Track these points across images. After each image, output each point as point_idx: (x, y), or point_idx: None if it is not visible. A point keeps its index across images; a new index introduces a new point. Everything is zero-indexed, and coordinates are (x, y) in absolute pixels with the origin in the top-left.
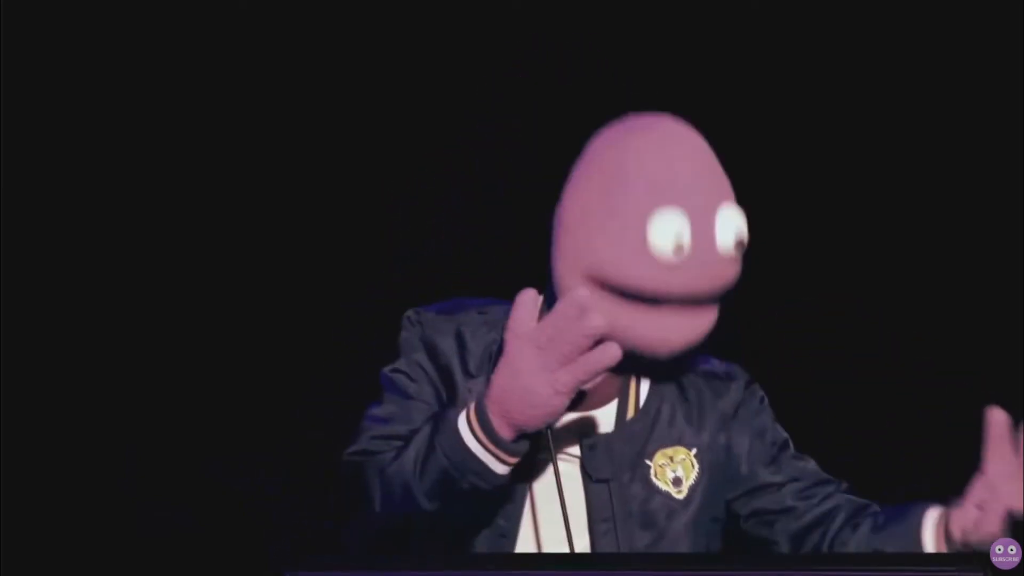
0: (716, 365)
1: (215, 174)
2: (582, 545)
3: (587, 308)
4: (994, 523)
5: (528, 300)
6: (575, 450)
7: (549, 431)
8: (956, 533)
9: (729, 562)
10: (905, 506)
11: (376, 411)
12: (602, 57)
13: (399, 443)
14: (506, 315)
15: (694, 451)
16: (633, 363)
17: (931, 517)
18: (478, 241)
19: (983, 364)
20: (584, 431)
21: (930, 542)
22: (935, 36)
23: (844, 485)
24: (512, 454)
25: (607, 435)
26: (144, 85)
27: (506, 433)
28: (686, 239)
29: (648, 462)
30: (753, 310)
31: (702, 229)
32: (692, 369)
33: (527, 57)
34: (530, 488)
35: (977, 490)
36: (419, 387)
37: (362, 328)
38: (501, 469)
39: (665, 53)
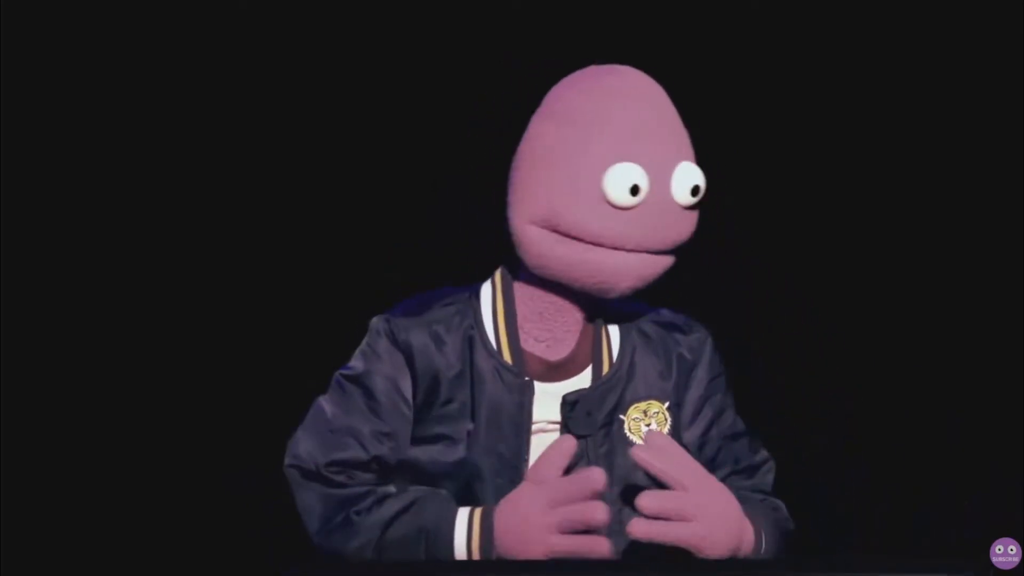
0: (670, 315)
1: (219, 178)
2: None
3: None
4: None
5: (566, 450)
6: (557, 415)
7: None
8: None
9: (727, 567)
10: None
11: (336, 420)
12: (603, 55)
13: (364, 475)
14: (471, 298)
15: (667, 404)
16: (587, 308)
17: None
18: (482, 242)
19: (982, 364)
20: (563, 393)
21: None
22: (935, 35)
23: (767, 465)
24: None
25: (584, 392)
26: (147, 86)
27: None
28: (642, 192)
29: (622, 416)
30: (756, 310)
31: (659, 183)
32: (651, 319)
33: (530, 55)
34: (526, 457)
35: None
36: (376, 404)
37: (364, 327)
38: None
39: (666, 52)
